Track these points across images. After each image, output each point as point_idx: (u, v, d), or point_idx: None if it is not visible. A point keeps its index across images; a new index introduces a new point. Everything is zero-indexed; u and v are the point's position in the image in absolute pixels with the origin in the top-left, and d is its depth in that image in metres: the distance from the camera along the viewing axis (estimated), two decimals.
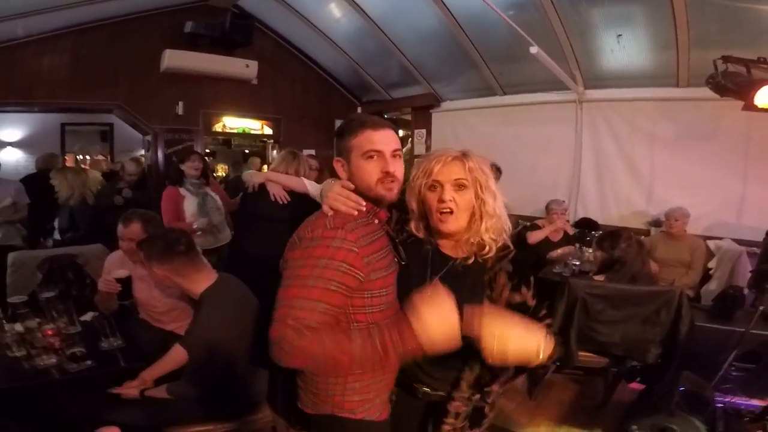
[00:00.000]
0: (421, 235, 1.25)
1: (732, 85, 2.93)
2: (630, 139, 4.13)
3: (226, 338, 1.68)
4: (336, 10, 4.96)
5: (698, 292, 3.48)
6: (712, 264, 3.49)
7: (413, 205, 1.23)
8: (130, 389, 1.69)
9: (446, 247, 1.23)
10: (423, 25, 4.52)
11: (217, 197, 3.39)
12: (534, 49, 3.66)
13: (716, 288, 3.38)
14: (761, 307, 2.49)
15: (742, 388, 2.38)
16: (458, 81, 5.23)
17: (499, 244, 1.19)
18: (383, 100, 6.20)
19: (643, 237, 3.86)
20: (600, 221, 4.13)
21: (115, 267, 2.26)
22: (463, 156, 1.19)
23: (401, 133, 7.02)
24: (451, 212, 1.15)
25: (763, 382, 2.39)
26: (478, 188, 1.17)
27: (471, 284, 1.17)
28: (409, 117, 6.06)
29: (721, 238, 3.55)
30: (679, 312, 2.65)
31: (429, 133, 5.72)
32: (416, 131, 5.83)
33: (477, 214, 1.17)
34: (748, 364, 2.48)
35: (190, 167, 3.26)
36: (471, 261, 1.19)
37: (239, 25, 4.98)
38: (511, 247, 1.23)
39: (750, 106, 2.86)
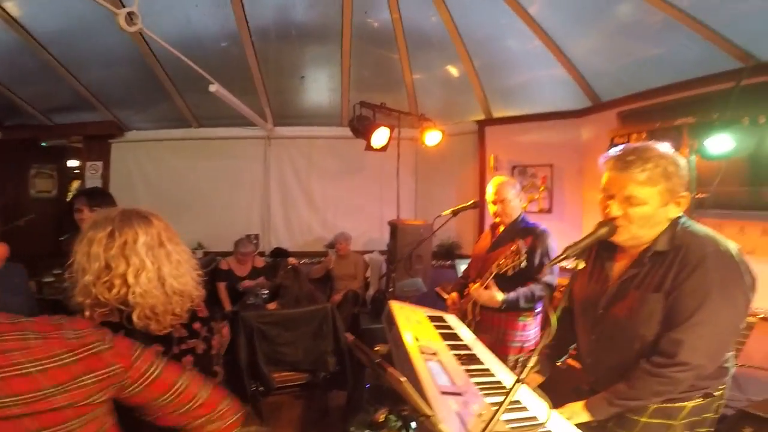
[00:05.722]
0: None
1: (361, 127, 3.67)
2: (307, 174, 4.78)
3: None
4: None
5: (364, 298, 4.29)
6: (369, 273, 4.39)
7: None
8: None
9: None
10: (108, 49, 3.89)
11: None
12: (213, 87, 3.62)
13: (373, 292, 4.25)
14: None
15: None
16: (149, 110, 4.74)
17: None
18: (40, 125, 4.90)
19: (323, 258, 4.51)
20: (290, 249, 4.57)
21: None
22: None
23: (73, 163, 5.77)
24: None
25: None
26: None
27: None
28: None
29: (372, 252, 4.54)
30: (335, 324, 3.15)
31: (107, 166, 4.90)
32: (89, 163, 4.89)
33: None
34: None
35: None
36: None
37: None
38: None
39: (369, 147, 3.69)
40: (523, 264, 1.94)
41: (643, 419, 1.21)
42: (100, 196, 2.24)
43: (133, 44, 3.85)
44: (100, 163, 4.87)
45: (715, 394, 1.23)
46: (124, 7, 2.73)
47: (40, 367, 0.72)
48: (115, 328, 1.00)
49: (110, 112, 4.71)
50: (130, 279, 1.03)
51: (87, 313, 1.04)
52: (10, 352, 0.71)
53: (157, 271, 1.07)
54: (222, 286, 3.97)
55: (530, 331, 2.23)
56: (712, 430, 1.26)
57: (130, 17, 2.65)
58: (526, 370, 0.91)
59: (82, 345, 0.77)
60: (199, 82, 3.99)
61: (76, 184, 5.67)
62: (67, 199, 5.93)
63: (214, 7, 3.50)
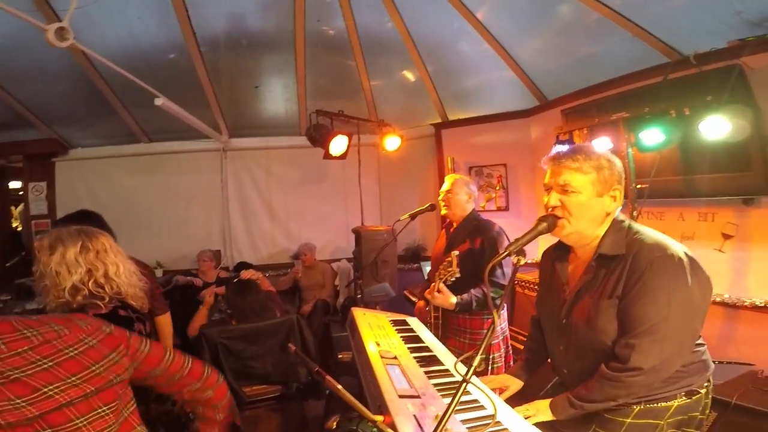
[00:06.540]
0: None
1: (318, 136, 3.66)
2: (267, 185, 4.70)
3: None
4: None
5: (335, 306, 4.25)
6: (338, 281, 4.36)
7: None
8: None
9: None
10: (45, 64, 3.69)
11: None
12: (159, 101, 3.53)
13: (343, 300, 4.23)
14: None
15: None
16: (94, 126, 4.52)
17: None
18: None
19: (290, 270, 4.45)
20: (254, 262, 4.46)
21: None
22: None
23: (15, 185, 5.43)
24: None
25: None
26: None
27: None
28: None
29: (340, 260, 4.51)
30: (303, 334, 3.10)
31: (52, 186, 4.64)
32: (32, 184, 4.61)
33: None
34: None
35: None
36: None
37: None
38: None
39: (327, 155, 3.68)
40: (458, 274, 1.98)
41: (629, 420, 1.21)
42: (87, 220, 1.93)
43: (72, 58, 3.68)
44: (43, 184, 4.60)
45: (701, 391, 1.24)
46: (60, 20, 2.61)
47: (79, 350, 0.86)
48: (123, 309, 1.31)
49: (51, 130, 4.48)
50: (113, 276, 1.32)
51: (101, 304, 1.28)
52: (50, 342, 0.83)
53: (128, 267, 1.38)
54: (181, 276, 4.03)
55: (497, 327, 2.28)
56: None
57: (61, 32, 2.54)
58: (471, 369, 0.93)
59: (96, 330, 0.91)
60: (146, 95, 3.87)
61: (20, 207, 5.33)
62: (12, 223, 5.56)
63: (157, 19, 3.39)
